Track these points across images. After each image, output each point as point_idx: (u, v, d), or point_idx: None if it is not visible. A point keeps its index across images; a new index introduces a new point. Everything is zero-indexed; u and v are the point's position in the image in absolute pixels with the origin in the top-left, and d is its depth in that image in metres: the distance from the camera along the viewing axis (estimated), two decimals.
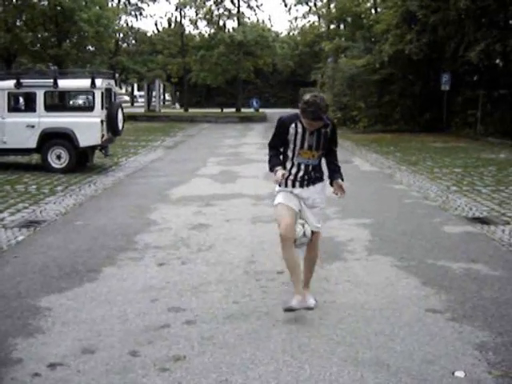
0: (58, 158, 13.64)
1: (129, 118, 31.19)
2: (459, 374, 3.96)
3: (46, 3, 31.71)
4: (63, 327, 4.71)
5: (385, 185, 12.38)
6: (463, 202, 10.22)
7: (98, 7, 32.77)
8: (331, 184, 5.09)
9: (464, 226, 8.45)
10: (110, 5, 39.06)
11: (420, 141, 22.48)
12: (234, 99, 45.94)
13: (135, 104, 60.09)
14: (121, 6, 43.46)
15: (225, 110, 44.63)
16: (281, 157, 5.06)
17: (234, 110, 44.76)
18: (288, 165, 5.01)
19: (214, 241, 7.48)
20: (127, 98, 66.31)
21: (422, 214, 9.33)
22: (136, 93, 69.19)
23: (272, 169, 4.94)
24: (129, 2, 44.91)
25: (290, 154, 4.98)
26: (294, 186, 4.99)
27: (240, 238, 7.61)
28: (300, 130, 4.86)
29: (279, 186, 5.02)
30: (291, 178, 4.98)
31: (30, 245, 7.34)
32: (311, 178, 4.99)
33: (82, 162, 14.18)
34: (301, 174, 4.97)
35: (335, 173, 5.07)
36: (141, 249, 7.10)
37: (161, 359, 4.15)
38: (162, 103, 55.24)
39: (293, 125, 4.87)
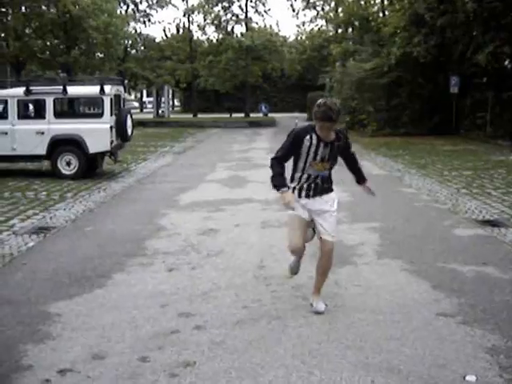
0: (68, 164, 13.69)
1: (138, 123, 31.28)
2: (470, 378, 3.94)
3: (54, 11, 31.84)
4: (73, 333, 4.72)
5: (394, 188, 12.34)
6: (473, 204, 10.18)
7: (106, 15, 32.88)
8: (359, 183, 5.54)
9: (474, 229, 8.42)
10: (118, 12, 39.15)
11: (429, 144, 22.41)
12: (243, 104, 45.99)
13: (144, 110, 60.28)
14: (129, 13, 43.57)
15: (233, 115, 44.70)
16: (286, 174, 5.10)
17: (242, 114, 44.81)
18: (297, 175, 5.08)
19: (224, 246, 7.48)
20: (136, 104, 66.54)
21: (431, 217, 9.29)
22: (145, 99, 69.39)
23: (278, 188, 4.97)
24: (137, 9, 45.10)
25: (301, 164, 5.02)
26: (300, 196, 5.05)
27: (249, 243, 7.60)
28: (315, 141, 4.90)
29: None
30: (298, 187, 5.06)
31: (39, 251, 7.37)
32: (318, 188, 5.06)
33: (92, 168, 14.21)
34: (308, 183, 5.05)
35: (360, 176, 5.50)
36: (150, 254, 7.10)
37: (170, 365, 4.15)
38: (170, 109, 55.41)
39: (307, 136, 4.92)
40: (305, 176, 5.03)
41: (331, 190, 5.16)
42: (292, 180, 5.11)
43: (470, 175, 13.79)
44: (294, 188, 5.06)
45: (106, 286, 5.92)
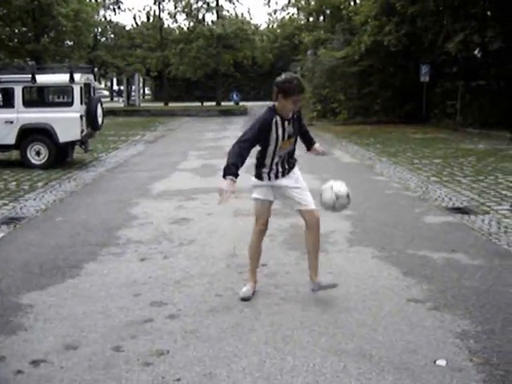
0: (38, 153, 13.56)
1: (108, 112, 30.93)
2: (441, 362, 4.01)
3: None
4: (45, 324, 4.69)
5: (365, 176, 12.42)
6: (443, 192, 10.31)
7: (76, 1, 32.47)
8: (309, 150, 5.58)
9: (444, 217, 8.53)
10: None
11: (400, 132, 22.63)
12: (214, 93, 45.88)
13: (114, 99, 59.79)
14: (99, 0, 43.07)
15: (205, 104, 44.54)
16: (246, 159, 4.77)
17: (214, 103, 44.70)
18: (268, 160, 5.05)
19: (196, 235, 7.49)
20: (106, 92, 65.97)
21: (402, 205, 9.39)
22: (115, 87, 68.76)
23: (227, 171, 4.54)
24: None
25: (271, 149, 4.97)
26: (269, 179, 5.10)
27: (221, 232, 7.61)
28: (280, 122, 4.92)
29: (256, 178, 5.15)
30: (268, 171, 5.08)
31: (10, 242, 7.30)
32: (287, 166, 5.16)
33: (62, 157, 14.09)
34: (280, 166, 5.09)
35: (310, 141, 5.55)
36: (122, 244, 7.08)
37: (144, 354, 4.15)
38: (141, 97, 55.01)
39: (274, 120, 4.90)
40: (276, 159, 5.04)
41: (294, 165, 5.26)
42: (262, 167, 5.08)
43: (440, 163, 13.95)
44: (266, 173, 5.09)
45: (78, 276, 5.89)
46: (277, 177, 5.10)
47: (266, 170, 5.08)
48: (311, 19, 41.43)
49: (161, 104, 46.49)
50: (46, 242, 7.25)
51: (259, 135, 4.85)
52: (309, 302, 5.11)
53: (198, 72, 45.04)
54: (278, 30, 52.39)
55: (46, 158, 13.57)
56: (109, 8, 44.69)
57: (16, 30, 33.20)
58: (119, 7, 45.83)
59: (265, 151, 5.02)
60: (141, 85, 57.75)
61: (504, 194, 10.00)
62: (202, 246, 6.99)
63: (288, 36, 47.24)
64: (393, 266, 6.13)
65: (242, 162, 4.65)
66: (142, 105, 46.10)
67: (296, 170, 5.23)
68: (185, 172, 13.24)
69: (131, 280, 5.73)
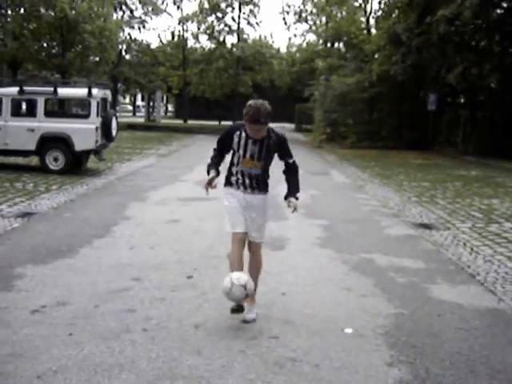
0: (55, 160, 14.79)
1: (128, 127, 32.42)
2: (348, 330, 5.07)
3: (52, 14, 32.88)
4: (44, 287, 5.85)
5: (351, 194, 13.48)
6: (418, 210, 11.29)
7: (102, 19, 33.96)
8: (285, 198, 5.31)
9: (407, 230, 9.56)
10: (114, 17, 40.26)
11: (402, 157, 23.62)
12: (233, 112, 47.21)
13: (137, 114, 61.46)
14: (125, 19, 44.66)
15: (223, 123, 45.88)
16: (221, 163, 5.39)
17: (231, 122, 46.00)
18: (233, 169, 5.28)
19: (181, 232, 8.64)
20: (130, 107, 67.77)
21: (374, 220, 10.42)
22: (139, 103, 70.52)
23: (208, 172, 5.30)
24: (132, 15, 46.18)
25: (235, 159, 5.25)
26: (238, 187, 5.26)
27: (204, 231, 8.73)
28: (243, 138, 5.11)
29: (225, 186, 5.33)
30: (235, 180, 5.27)
31: (23, 231, 8.48)
32: (253, 185, 5.24)
33: (77, 165, 15.35)
34: (242, 178, 5.23)
35: (290, 190, 5.31)
36: (117, 236, 8.25)
37: (116, 310, 5.26)
38: (163, 114, 56.63)
39: (237, 132, 5.13)
40: (239, 171, 5.21)
41: (265, 191, 5.33)
42: (231, 174, 5.29)
43: (427, 186, 14.93)
44: (235, 180, 5.26)
45: (76, 257, 7.06)
46: (244, 186, 5.22)
47: (234, 178, 5.27)
48: (328, 45, 42.72)
49: (181, 121, 47.91)
50: (53, 232, 8.44)
51: (221, 143, 5.34)
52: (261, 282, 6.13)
53: (217, 92, 46.48)
54: (297, 55, 53.76)
55: (62, 165, 14.80)
56: (133, 27, 46.14)
57: (44, 44, 34.76)
58: (144, 26, 47.36)
59: (233, 158, 5.27)
60: (164, 102, 59.44)
61: (472, 215, 10.95)
62: (185, 241, 8.14)
63: (306, 60, 48.54)
64: (341, 264, 7.21)
65: (215, 164, 5.31)
66: (162, 121, 47.59)
67: (262, 197, 5.30)
68: (187, 183, 14.45)
69: (119, 262, 6.87)
